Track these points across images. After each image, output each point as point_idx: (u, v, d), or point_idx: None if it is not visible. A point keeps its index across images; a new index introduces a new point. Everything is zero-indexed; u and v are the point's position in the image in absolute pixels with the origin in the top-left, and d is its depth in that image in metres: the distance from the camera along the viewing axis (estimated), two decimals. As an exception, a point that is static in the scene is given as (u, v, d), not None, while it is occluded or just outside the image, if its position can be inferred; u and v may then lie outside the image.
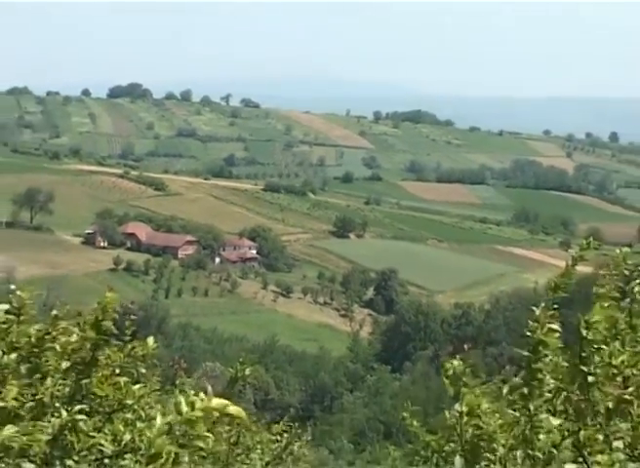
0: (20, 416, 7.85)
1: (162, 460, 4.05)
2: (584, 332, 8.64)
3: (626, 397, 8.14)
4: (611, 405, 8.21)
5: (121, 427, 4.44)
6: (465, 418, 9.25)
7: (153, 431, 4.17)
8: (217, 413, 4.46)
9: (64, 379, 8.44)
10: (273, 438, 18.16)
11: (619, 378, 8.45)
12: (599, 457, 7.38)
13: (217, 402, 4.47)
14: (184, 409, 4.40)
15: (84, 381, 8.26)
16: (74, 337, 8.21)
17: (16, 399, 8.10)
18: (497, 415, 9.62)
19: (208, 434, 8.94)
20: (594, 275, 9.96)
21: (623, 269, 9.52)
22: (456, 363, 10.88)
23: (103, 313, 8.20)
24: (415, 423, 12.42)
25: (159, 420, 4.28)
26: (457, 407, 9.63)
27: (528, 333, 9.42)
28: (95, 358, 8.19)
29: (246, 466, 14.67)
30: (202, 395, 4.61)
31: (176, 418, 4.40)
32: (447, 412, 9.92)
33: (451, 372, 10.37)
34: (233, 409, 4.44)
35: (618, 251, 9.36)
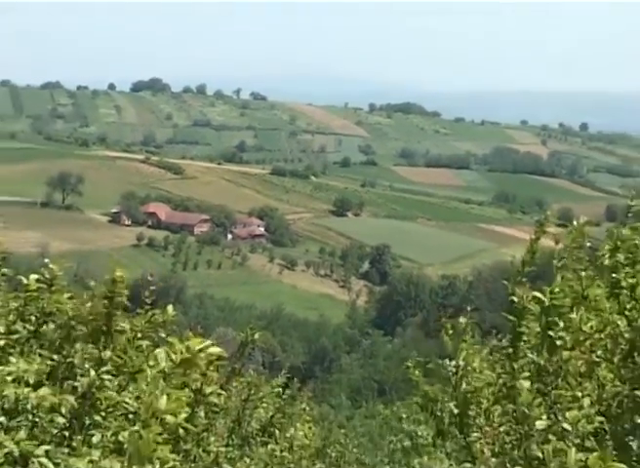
0: (53, 377, 7.88)
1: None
2: (548, 300, 8.67)
3: (594, 360, 8.16)
4: (580, 367, 8.23)
5: (144, 386, 4.46)
6: (461, 372, 9.29)
7: (144, 382, 4.16)
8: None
9: (92, 344, 8.47)
10: (277, 391, 18.19)
11: (587, 343, 8.47)
12: (568, 414, 7.40)
13: (198, 342, 4.47)
14: (175, 355, 4.40)
15: (105, 346, 8.31)
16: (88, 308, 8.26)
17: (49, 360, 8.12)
18: (486, 372, 9.67)
19: (218, 389, 8.96)
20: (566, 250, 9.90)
21: (583, 242, 9.54)
22: (462, 320, 10.91)
23: (114, 287, 8.23)
24: (417, 372, 12.48)
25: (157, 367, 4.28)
26: (453, 362, 9.67)
27: (514, 301, 9.45)
28: (110, 327, 8.22)
29: (254, 420, 14.68)
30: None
31: (168, 364, 4.40)
32: (444, 366, 9.97)
33: (451, 331, 10.42)
34: (214, 349, 4.44)
35: (576, 225, 9.39)
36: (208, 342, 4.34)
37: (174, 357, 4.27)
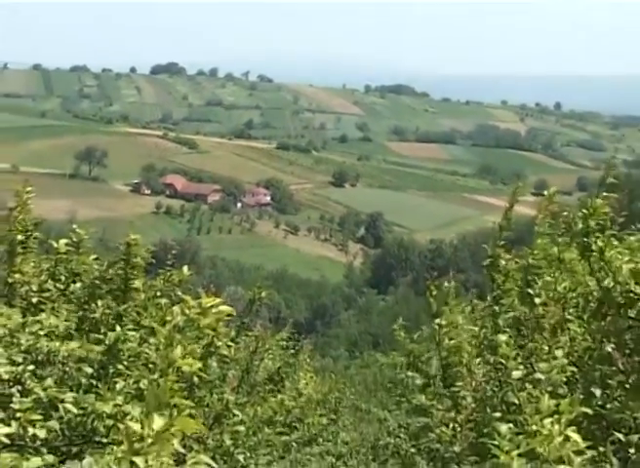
0: (80, 331, 7.90)
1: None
2: (528, 261, 8.67)
3: (567, 316, 8.16)
4: (554, 322, 8.23)
5: (162, 339, 4.47)
6: (444, 330, 9.29)
7: (161, 336, 4.16)
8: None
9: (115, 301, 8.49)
10: (283, 343, 18.22)
11: (561, 301, 8.47)
12: (542, 365, 7.40)
13: (210, 300, 4.47)
14: (188, 311, 4.40)
15: (124, 302, 8.34)
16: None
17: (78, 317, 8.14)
18: (468, 327, 9.66)
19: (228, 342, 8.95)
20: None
21: (556, 209, 9.54)
22: (446, 284, 10.90)
23: (129, 249, 8.26)
24: (402, 334, 12.47)
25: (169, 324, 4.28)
26: (437, 321, 9.67)
27: (494, 262, 9.45)
28: (127, 286, 8.25)
29: (261, 370, 14.71)
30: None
31: (182, 319, 4.41)
32: (428, 328, 9.95)
33: (435, 292, 10.40)
34: (224, 307, 4.44)
35: (548, 194, 9.37)
36: (219, 300, 4.34)
37: (187, 312, 4.27)
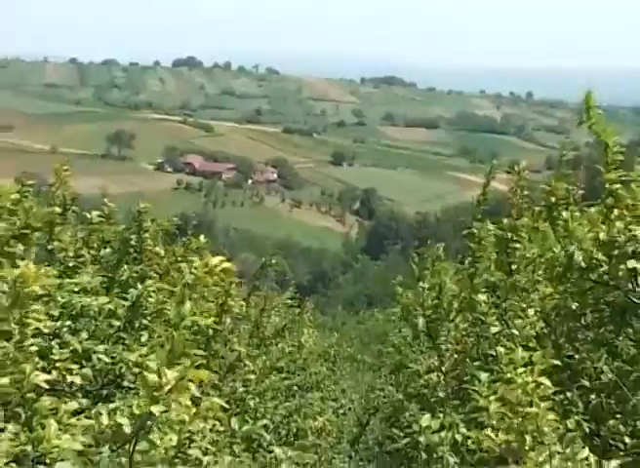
0: (110, 290, 7.91)
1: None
2: (507, 234, 8.63)
3: (537, 278, 8.14)
4: (526, 284, 8.21)
5: (188, 303, 4.44)
6: (427, 292, 9.27)
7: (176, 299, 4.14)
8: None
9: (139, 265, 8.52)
10: (288, 302, 18.24)
11: (529, 267, 8.45)
12: (516, 321, 7.39)
13: (215, 259, 4.44)
14: (196, 270, 4.38)
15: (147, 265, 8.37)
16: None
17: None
18: (451, 287, 9.63)
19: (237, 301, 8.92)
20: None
21: (527, 184, 9.52)
22: (430, 251, 10.86)
23: (140, 217, 8.31)
24: (399, 289, 12.41)
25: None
26: (421, 283, 9.64)
27: (473, 232, 9.43)
28: (142, 252, 8.28)
29: (269, 326, 14.72)
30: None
31: (191, 278, 4.38)
32: (417, 288, 9.93)
33: (418, 259, 10.35)
34: (226, 264, 4.41)
35: (518, 170, 9.35)
36: (222, 258, 4.31)
37: (194, 271, 4.24)
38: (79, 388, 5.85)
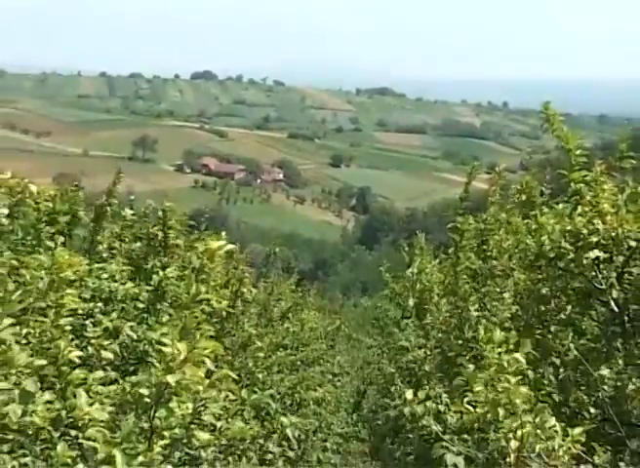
0: (137, 277, 7.92)
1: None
2: (481, 225, 8.63)
3: (512, 266, 8.14)
4: (502, 271, 8.21)
5: (195, 285, 4.45)
6: (416, 276, 9.26)
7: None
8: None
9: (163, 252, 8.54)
10: (293, 288, 18.25)
11: (506, 255, 8.45)
12: (493, 304, 7.39)
13: (217, 243, 4.42)
14: (201, 255, 4.36)
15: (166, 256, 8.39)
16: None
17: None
18: (436, 274, 9.63)
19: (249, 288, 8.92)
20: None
21: (505, 184, 9.52)
22: (415, 242, 10.80)
23: (165, 215, 8.32)
24: (387, 275, 12.37)
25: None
26: (410, 269, 9.64)
27: (456, 226, 9.42)
28: (167, 244, 8.31)
29: (276, 308, 14.73)
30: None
31: (197, 263, 4.37)
32: (407, 272, 9.92)
33: (407, 249, 10.28)
34: (229, 246, 4.40)
35: (497, 172, 9.39)
36: (223, 242, 4.29)
37: (200, 255, 4.23)
38: (108, 362, 5.87)
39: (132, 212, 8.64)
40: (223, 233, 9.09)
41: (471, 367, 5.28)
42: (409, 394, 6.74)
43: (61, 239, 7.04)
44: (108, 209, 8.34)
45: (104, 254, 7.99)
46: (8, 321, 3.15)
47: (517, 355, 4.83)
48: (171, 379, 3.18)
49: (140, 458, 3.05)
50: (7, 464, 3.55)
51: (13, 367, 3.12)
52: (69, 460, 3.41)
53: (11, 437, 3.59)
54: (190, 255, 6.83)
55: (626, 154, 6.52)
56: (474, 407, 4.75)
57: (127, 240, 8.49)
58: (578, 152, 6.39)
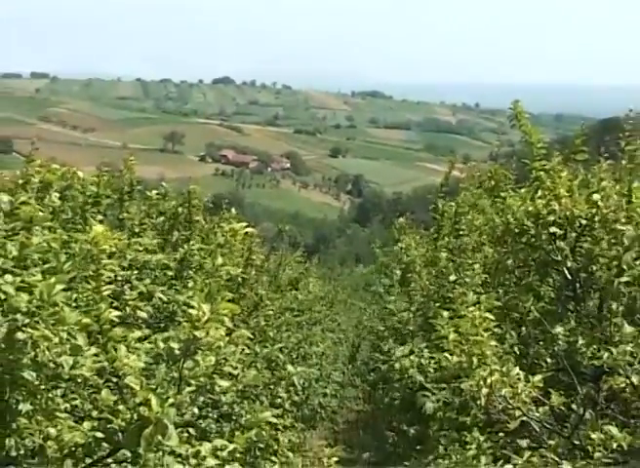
0: (164, 249, 7.92)
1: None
2: (455, 207, 8.61)
3: (482, 241, 8.13)
4: (473, 245, 8.20)
5: (219, 257, 4.45)
6: (404, 251, 9.25)
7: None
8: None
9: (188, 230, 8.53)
10: (298, 259, 18.24)
11: (477, 232, 8.44)
12: (467, 272, 7.38)
13: (239, 224, 4.40)
14: (225, 235, 4.35)
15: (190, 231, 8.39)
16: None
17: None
18: (419, 249, 9.61)
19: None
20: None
21: (475, 172, 9.50)
22: (401, 220, 10.74)
23: (190, 195, 8.33)
24: (377, 250, 12.31)
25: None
26: (398, 244, 9.62)
27: (436, 207, 9.38)
28: (191, 220, 8.32)
29: (284, 276, 14.74)
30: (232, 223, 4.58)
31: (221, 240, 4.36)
32: (395, 248, 9.89)
33: (398, 226, 10.25)
34: (249, 229, 4.38)
35: (473, 164, 9.37)
36: (244, 224, 4.28)
37: (224, 233, 4.22)
38: (142, 321, 5.88)
39: (156, 192, 8.72)
40: (233, 210, 9.15)
41: (445, 313, 5.31)
42: (399, 351, 6.80)
43: (100, 217, 7.08)
44: (134, 191, 8.41)
45: (136, 229, 8.01)
46: (60, 287, 3.15)
47: (487, 314, 4.86)
48: (197, 334, 3.19)
49: (171, 401, 3.06)
50: (61, 406, 3.57)
51: (64, 325, 3.13)
52: (112, 403, 3.44)
53: (64, 385, 3.61)
54: (217, 233, 6.82)
55: (580, 148, 6.65)
56: (451, 354, 4.78)
57: (154, 216, 8.55)
58: (539, 145, 6.44)
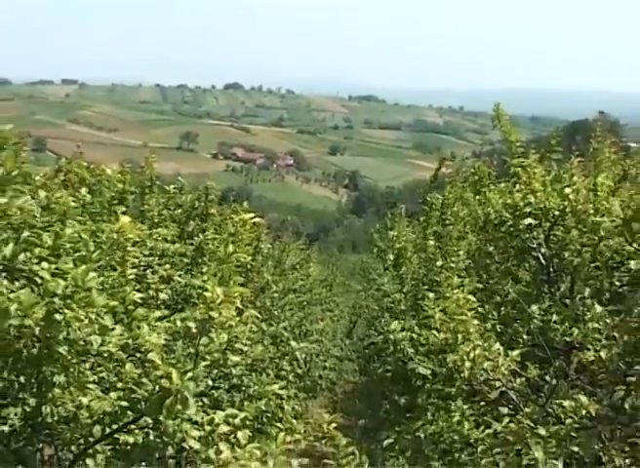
0: (181, 238, 7.92)
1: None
2: (442, 200, 8.62)
3: (465, 230, 8.13)
4: (458, 233, 8.20)
5: (230, 245, 4.47)
6: (396, 239, 9.25)
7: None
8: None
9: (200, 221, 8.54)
10: (301, 246, 18.27)
11: (461, 222, 8.44)
12: (453, 258, 7.38)
13: (248, 215, 4.40)
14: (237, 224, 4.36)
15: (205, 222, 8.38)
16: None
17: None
18: (410, 235, 9.60)
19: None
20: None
21: (460, 168, 9.48)
22: (396, 210, 10.73)
23: (206, 190, 8.32)
24: (375, 236, 12.31)
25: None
26: (391, 232, 9.61)
27: (427, 199, 9.36)
28: (207, 213, 8.31)
29: (288, 261, 14.76)
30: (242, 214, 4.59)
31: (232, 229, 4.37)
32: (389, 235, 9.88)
33: (390, 216, 10.22)
34: (257, 219, 4.39)
35: (457, 160, 9.37)
36: (252, 215, 4.28)
37: (235, 223, 4.22)
38: (162, 302, 5.90)
39: (173, 186, 8.73)
40: (245, 203, 9.13)
41: (432, 295, 5.34)
42: (394, 324, 6.82)
43: (123, 209, 7.09)
44: (154, 185, 8.41)
45: (156, 220, 8.02)
46: (93, 274, 3.21)
47: (470, 295, 4.89)
48: (212, 314, 3.21)
49: (189, 374, 3.08)
50: (90, 378, 3.60)
51: (94, 306, 3.17)
52: (135, 375, 3.47)
53: (92, 359, 3.64)
54: (228, 224, 6.82)
55: (555, 148, 6.75)
56: (438, 331, 4.82)
57: (172, 208, 8.56)
58: (517, 144, 6.49)
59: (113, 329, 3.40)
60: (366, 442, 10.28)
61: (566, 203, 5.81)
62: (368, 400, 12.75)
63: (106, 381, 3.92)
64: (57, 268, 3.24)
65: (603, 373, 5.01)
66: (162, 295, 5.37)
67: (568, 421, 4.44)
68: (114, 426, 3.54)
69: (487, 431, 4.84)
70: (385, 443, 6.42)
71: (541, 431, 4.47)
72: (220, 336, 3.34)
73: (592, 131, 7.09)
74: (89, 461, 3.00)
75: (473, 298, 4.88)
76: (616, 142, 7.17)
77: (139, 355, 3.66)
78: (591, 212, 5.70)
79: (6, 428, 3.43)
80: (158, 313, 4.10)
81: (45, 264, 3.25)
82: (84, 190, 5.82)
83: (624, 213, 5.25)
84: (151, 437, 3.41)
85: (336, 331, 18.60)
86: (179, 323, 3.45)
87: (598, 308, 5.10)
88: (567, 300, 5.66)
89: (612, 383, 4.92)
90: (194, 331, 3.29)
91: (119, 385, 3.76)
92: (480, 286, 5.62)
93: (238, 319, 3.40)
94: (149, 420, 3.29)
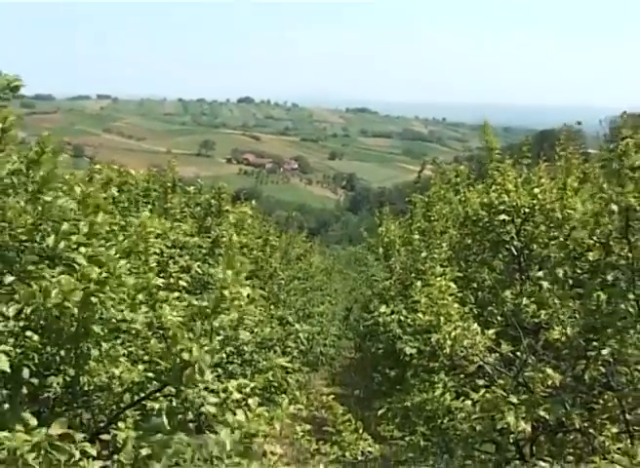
0: (199, 233, 7.91)
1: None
2: (427, 199, 8.60)
3: (447, 226, 8.12)
4: (441, 229, 8.21)
5: (242, 236, 4.46)
6: (385, 234, 9.24)
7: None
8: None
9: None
10: (304, 239, 18.26)
11: (444, 219, 8.43)
12: (436, 250, 7.39)
13: (246, 208, 4.41)
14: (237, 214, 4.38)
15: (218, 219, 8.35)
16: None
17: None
18: (397, 231, 9.58)
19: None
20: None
21: (440, 171, 9.47)
22: (383, 209, 10.70)
23: (219, 190, 8.28)
24: (364, 234, 12.21)
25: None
26: (380, 229, 9.60)
27: (412, 199, 9.34)
28: (221, 210, 8.29)
29: (293, 252, 14.76)
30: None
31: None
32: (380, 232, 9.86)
33: (379, 214, 10.19)
34: (252, 211, 4.39)
35: (443, 166, 9.35)
36: (248, 207, 4.29)
37: (236, 216, 4.23)
38: (183, 288, 5.90)
39: (193, 187, 8.77)
40: (253, 202, 9.13)
41: (419, 283, 5.35)
42: (383, 308, 6.85)
43: (149, 207, 7.10)
44: (176, 186, 8.43)
45: (178, 216, 8.05)
46: (123, 261, 3.27)
47: (451, 283, 4.90)
48: (224, 293, 3.24)
49: (206, 348, 3.10)
50: (120, 352, 3.64)
51: (125, 287, 3.23)
52: (159, 349, 3.50)
53: (122, 336, 3.67)
54: (229, 216, 6.79)
55: (525, 155, 7.03)
56: (423, 314, 4.85)
57: (192, 206, 8.59)
58: (496, 151, 6.72)
59: (141, 307, 3.44)
60: (361, 410, 10.30)
61: (535, 201, 5.88)
62: (362, 373, 12.78)
63: (134, 355, 3.95)
64: (92, 253, 3.29)
65: (566, 349, 5.04)
66: (182, 282, 5.38)
67: (536, 390, 4.47)
68: (142, 394, 3.57)
69: (466, 401, 4.87)
70: (379, 412, 6.45)
71: (513, 399, 4.49)
72: (232, 315, 3.35)
73: (558, 139, 7.19)
74: (120, 424, 3.03)
75: (454, 285, 4.90)
76: (577, 149, 7.26)
77: (162, 332, 3.68)
78: (557, 209, 5.76)
79: (50, 395, 3.49)
80: (176, 293, 4.14)
81: (83, 249, 3.30)
82: (114, 188, 5.84)
83: (586, 209, 5.32)
84: (174, 403, 3.44)
85: (334, 314, 18.61)
86: (194, 302, 3.48)
87: (546, 283, 5.22)
88: (535, 286, 5.67)
89: (574, 358, 4.94)
90: (209, 310, 3.31)
91: (145, 358, 3.80)
92: (460, 274, 5.63)
93: (248, 301, 3.41)
94: (172, 389, 3.31)
